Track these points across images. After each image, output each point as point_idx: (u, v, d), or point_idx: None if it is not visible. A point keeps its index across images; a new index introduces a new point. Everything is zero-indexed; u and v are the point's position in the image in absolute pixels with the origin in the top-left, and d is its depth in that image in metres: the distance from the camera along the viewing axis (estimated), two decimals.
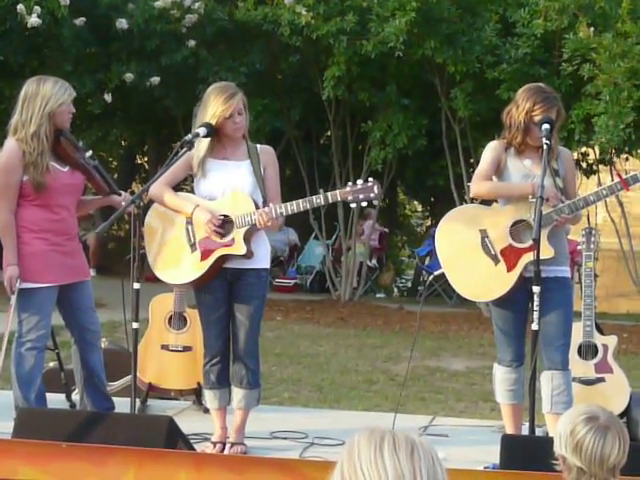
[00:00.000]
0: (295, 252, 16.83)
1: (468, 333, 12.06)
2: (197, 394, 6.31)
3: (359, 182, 5.29)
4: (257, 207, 5.31)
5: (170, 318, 6.53)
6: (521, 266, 5.31)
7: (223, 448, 5.46)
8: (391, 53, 11.78)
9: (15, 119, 5.48)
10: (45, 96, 5.43)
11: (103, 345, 6.13)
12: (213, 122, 5.27)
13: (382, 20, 11.74)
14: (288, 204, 5.26)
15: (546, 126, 5.20)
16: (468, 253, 5.44)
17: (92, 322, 5.74)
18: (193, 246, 5.41)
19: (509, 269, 5.34)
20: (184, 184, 7.61)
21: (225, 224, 5.34)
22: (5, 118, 5.95)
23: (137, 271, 5.11)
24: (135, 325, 5.19)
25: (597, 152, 13.55)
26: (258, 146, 5.52)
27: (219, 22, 12.93)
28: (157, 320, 6.55)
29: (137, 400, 5.52)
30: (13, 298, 5.46)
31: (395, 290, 17.59)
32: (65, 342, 6.30)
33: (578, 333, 6.24)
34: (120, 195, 5.74)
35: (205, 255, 5.37)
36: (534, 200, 5.07)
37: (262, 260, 5.45)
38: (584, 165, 14.76)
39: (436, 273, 6.21)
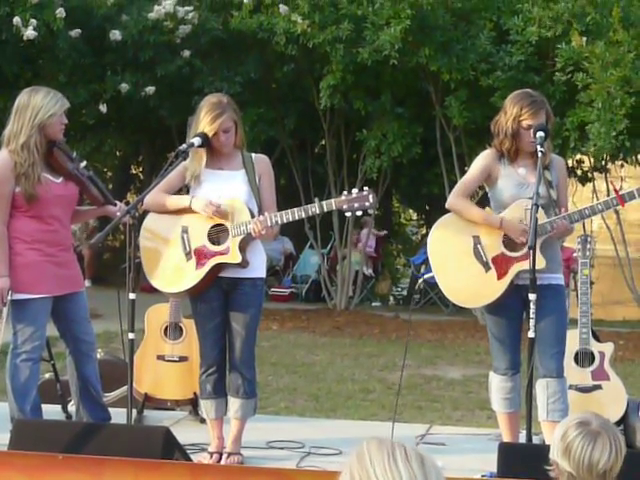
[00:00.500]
0: (291, 261, 16.83)
1: (464, 341, 12.05)
2: (193, 404, 6.30)
3: (354, 191, 5.28)
4: (252, 216, 5.30)
5: (166, 328, 6.52)
6: (512, 274, 5.30)
7: (220, 458, 5.44)
8: (386, 61, 11.81)
9: (8, 130, 5.48)
10: (35, 107, 5.41)
11: (99, 356, 6.13)
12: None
13: (377, 28, 11.77)
14: (283, 213, 5.25)
15: (540, 134, 5.20)
16: (459, 258, 5.43)
17: (87, 333, 5.72)
18: (188, 254, 5.39)
19: (499, 277, 5.33)
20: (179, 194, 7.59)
21: (220, 233, 5.34)
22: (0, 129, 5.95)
23: (133, 281, 5.11)
24: (131, 335, 5.18)
25: (592, 159, 13.55)
26: (253, 155, 5.52)
27: (213, 32, 12.96)
28: (153, 330, 6.54)
29: (133, 411, 5.51)
30: (4, 310, 5.44)
31: (391, 299, 17.56)
32: (60, 353, 6.29)
33: (574, 340, 6.24)
34: (115, 205, 5.72)
35: (200, 263, 5.36)
36: (529, 208, 5.07)
37: (258, 269, 5.44)
38: (579, 172, 14.76)
39: (426, 276, 6.19)
